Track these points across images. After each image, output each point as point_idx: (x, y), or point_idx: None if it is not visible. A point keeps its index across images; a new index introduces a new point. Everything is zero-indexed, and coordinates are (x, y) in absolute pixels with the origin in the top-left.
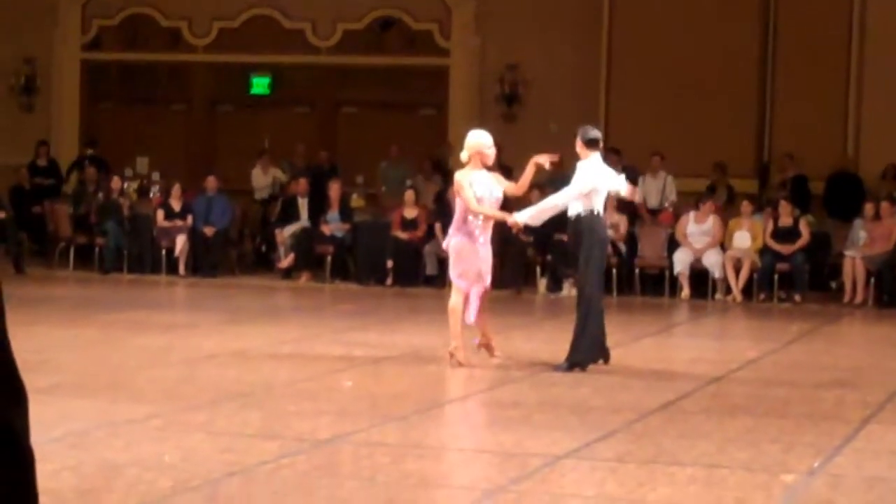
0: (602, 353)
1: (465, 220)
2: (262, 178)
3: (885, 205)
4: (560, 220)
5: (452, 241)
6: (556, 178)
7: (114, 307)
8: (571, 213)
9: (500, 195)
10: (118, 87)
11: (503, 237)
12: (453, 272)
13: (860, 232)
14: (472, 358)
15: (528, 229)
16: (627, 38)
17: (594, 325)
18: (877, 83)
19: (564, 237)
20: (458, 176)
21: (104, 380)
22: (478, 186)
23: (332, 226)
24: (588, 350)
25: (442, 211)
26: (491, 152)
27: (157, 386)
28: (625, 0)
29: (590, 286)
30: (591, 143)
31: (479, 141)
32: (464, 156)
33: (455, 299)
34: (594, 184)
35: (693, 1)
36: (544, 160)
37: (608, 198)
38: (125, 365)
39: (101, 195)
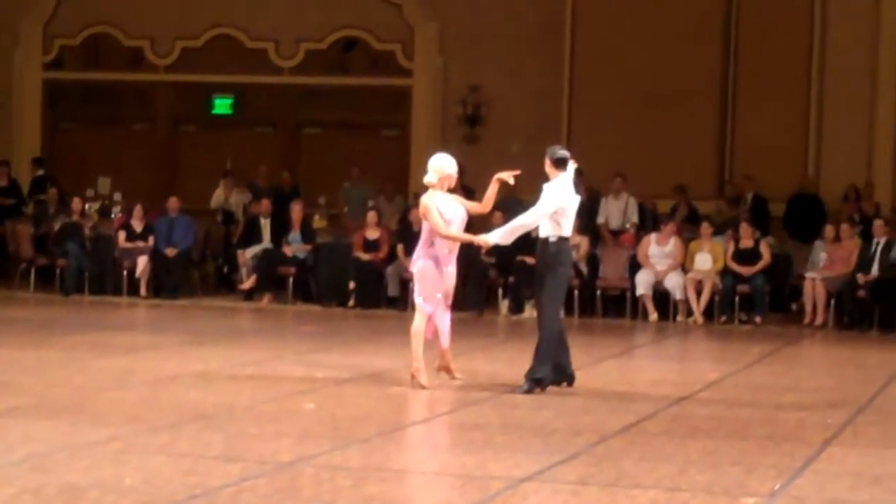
0: (564, 377)
1: (430, 244)
2: (218, 198)
3: (845, 226)
4: (523, 242)
5: (418, 264)
6: (509, 200)
7: (75, 329)
8: (541, 235)
9: (465, 216)
10: (80, 106)
11: (467, 259)
12: (417, 295)
13: (820, 253)
14: (434, 380)
15: (491, 250)
16: (589, 61)
17: (553, 348)
18: (837, 105)
19: (527, 259)
20: (425, 199)
21: (65, 402)
22: (445, 210)
23: (294, 247)
24: (549, 372)
25: (404, 232)
26: (456, 177)
27: (119, 408)
28: (587, 23)
29: (550, 311)
30: (559, 163)
31: (445, 166)
32: (432, 179)
33: (418, 321)
34: (561, 203)
35: (655, 24)
36: (507, 176)
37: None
38: (86, 387)
39: (62, 216)
